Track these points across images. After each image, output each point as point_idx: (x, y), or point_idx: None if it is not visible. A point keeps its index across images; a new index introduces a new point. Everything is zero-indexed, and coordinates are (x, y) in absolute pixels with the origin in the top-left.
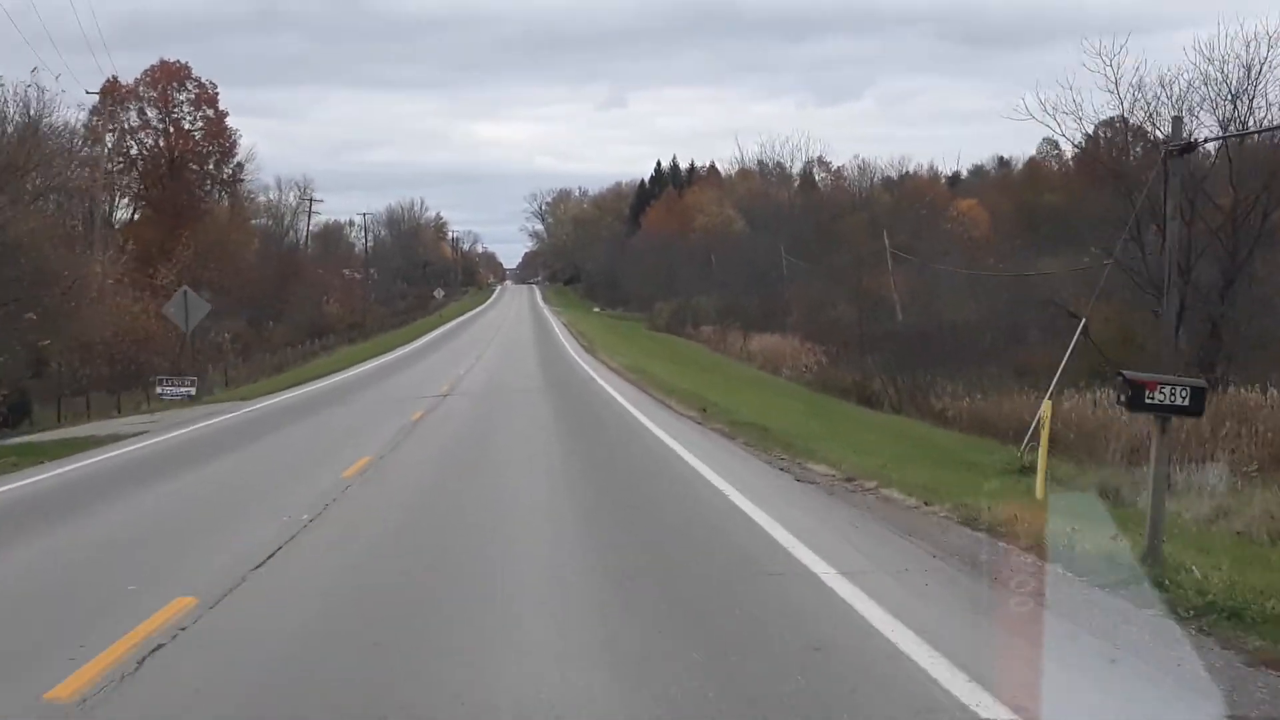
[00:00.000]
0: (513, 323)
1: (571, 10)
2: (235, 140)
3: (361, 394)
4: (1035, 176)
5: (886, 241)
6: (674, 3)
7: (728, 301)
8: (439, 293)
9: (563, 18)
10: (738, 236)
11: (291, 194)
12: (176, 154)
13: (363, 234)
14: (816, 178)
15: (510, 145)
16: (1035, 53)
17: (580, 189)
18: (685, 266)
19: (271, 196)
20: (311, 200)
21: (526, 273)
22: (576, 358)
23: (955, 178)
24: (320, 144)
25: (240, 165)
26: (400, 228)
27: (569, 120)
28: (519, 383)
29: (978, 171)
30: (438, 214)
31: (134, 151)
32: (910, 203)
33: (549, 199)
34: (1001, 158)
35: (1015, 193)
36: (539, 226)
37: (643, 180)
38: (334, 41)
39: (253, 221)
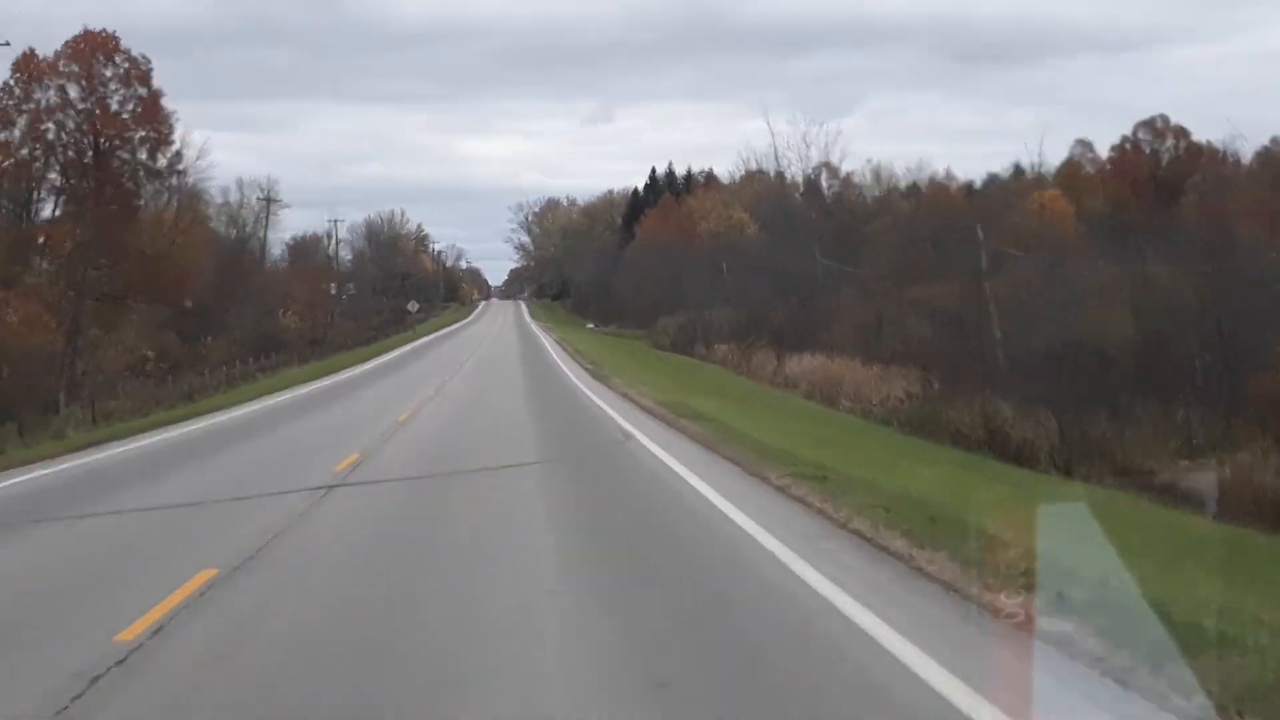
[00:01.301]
0: (495, 339)
1: (560, 25)
2: (172, 125)
3: (222, 455)
4: (1124, 168)
5: (981, 238)
6: (663, 17)
7: (746, 315)
8: (413, 306)
9: (551, 32)
10: (751, 242)
11: (255, 196)
12: (102, 140)
13: (342, 247)
14: (824, 184)
15: (497, 161)
16: (1026, 69)
17: (569, 198)
18: (691, 277)
19: (231, 198)
20: (270, 200)
21: (512, 289)
22: (583, 387)
23: (970, 186)
24: (307, 159)
25: (179, 154)
26: (379, 239)
27: (556, 135)
28: (496, 438)
29: (993, 180)
30: (419, 225)
31: (51, 136)
32: (945, 205)
33: (536, 209)
34: (1018, 165)
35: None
36: (525, 238)
37: (636, 188)
38: (321, 56)
39: (211, 224)
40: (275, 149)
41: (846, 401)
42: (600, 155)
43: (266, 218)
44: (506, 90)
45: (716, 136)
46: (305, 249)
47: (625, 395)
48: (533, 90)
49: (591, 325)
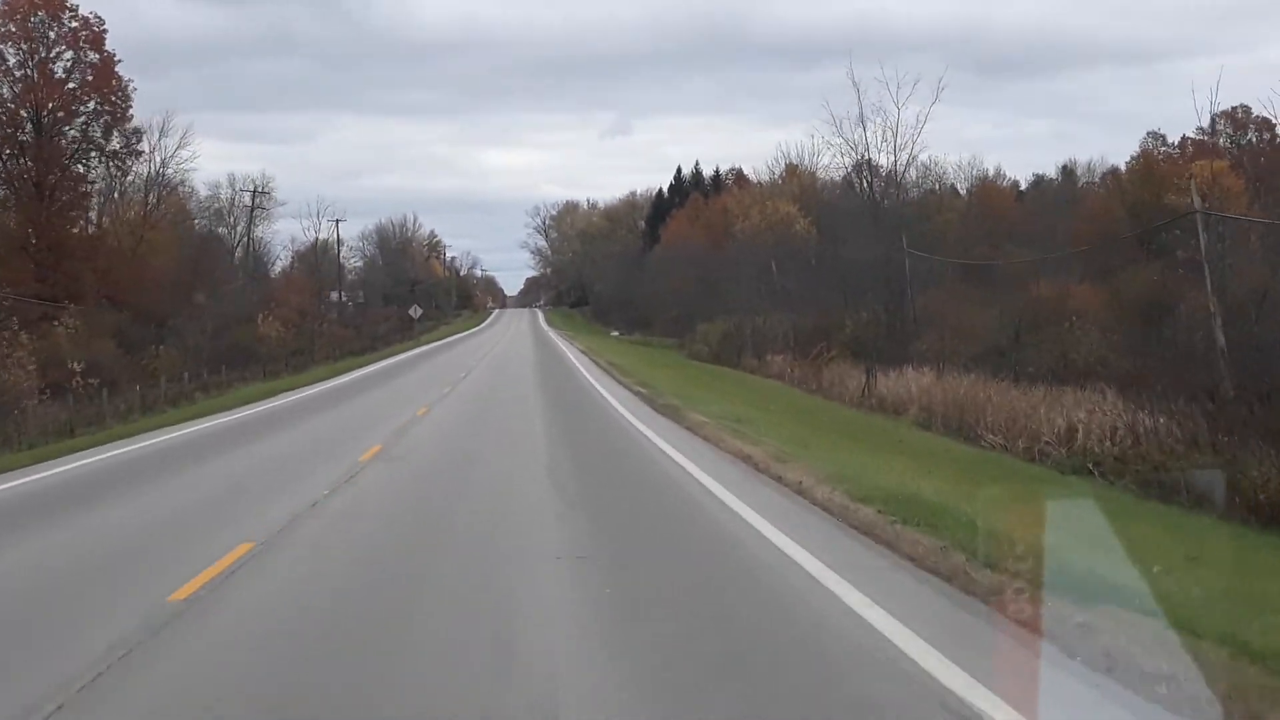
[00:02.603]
0: (506, 348)
1: (580, 37)
2: (129, 96)
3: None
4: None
5: (1200, 227)
6: (682, 30)
7: (809, 320)
8: (416, 311)
9: (571, 44)
10: (802, 239)
11: (248, 194)
12: (44, 112)
13: (354, 255)
14: (862, 182)
15: (516, 172)
16: (1045, 81)
17: (589, 200)
18: (731, 279)
19: (223, 195)
20: (256, 193)
21: (528, 298)
22: (646, 430)
23: (1016, 187)
24: (327, 170)
25: (138, 133)
26: (390, 245)
27: (575, 147)
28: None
29: (1039, 182)
30: (432, 231)
31: None
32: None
33: (554, 212)
34: (1065, 165)
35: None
36: (542, 242)
37: (660, 189)
38: (340, 68)
39: (195, 222)
40: (294, 160)
41: (992, 436)
42: (618, 168)
43: (251, 214)
44: (525, 102)
45: (734, 149)
46: (319, 256)
47: (722, 443)
48: (551, 103)
49: (616, 333)
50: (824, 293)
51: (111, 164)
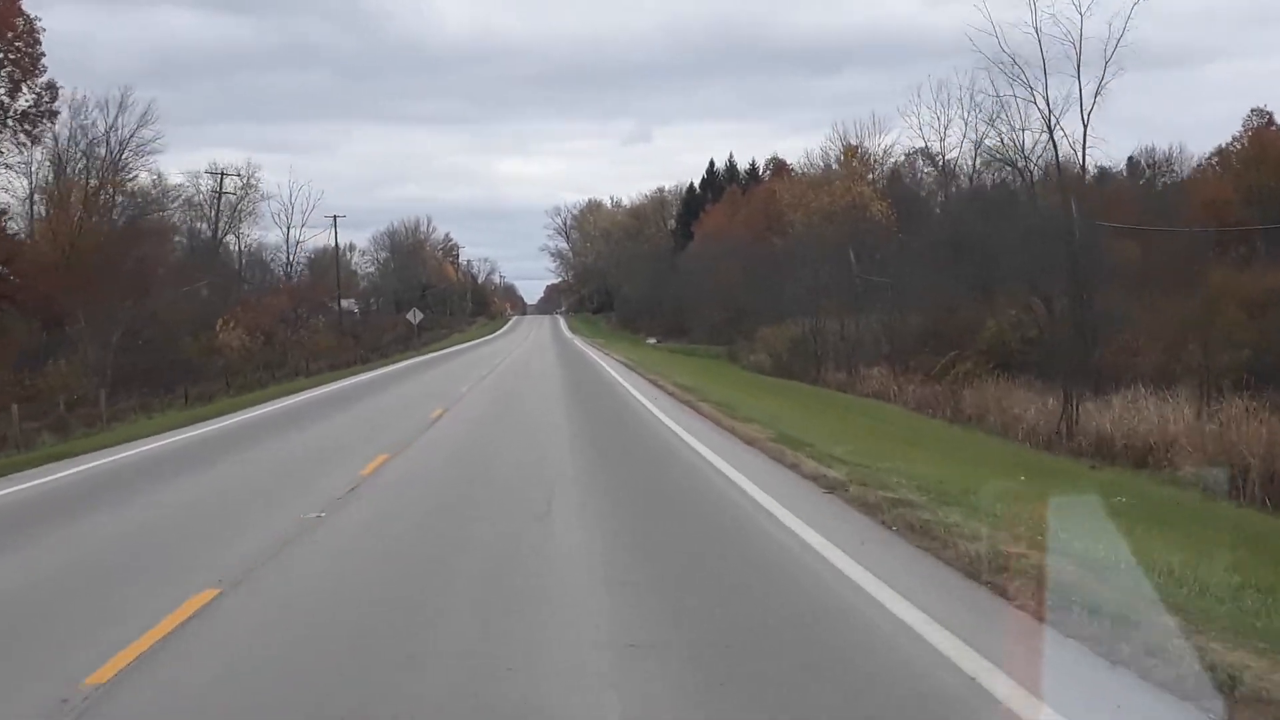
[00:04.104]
0: (525, 358)
1: (599, 46)
2: (38, 39)
3: None
4: None
5: None
6: (701, 37)
7: (921, 323)
8: (415, 316)
9: (590, 53)
10: (878, 226)
11: (231, 182)
12: None
13: (366, 261)
14: (919, 171)
15: (534, 181)
16: (1066, 85)
17: (613, 198)
18: (787, 274)
19: (204, 187)
20: (223, 175)
21: (549, 306)
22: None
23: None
24: (346, 180)
25: (52, 87)
26: (402, 249)
27: (594, 156)
28: None
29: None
30: (447, 234)
31: None
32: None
33: (574, 213)
34: (1131, 157)
35: None
36: (563, 244)
37: (692, 183)
38: (359, 78)
39: (162, 215)
40: (315, 171)
41: None
42: (638, 175)
43: (218, 203)
44: (543, 111)
45: (756, 155)
46: (325, 263)
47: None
48: (570, 111)
49: (653, 340)
50: (933, 284)
51: (20, 129)
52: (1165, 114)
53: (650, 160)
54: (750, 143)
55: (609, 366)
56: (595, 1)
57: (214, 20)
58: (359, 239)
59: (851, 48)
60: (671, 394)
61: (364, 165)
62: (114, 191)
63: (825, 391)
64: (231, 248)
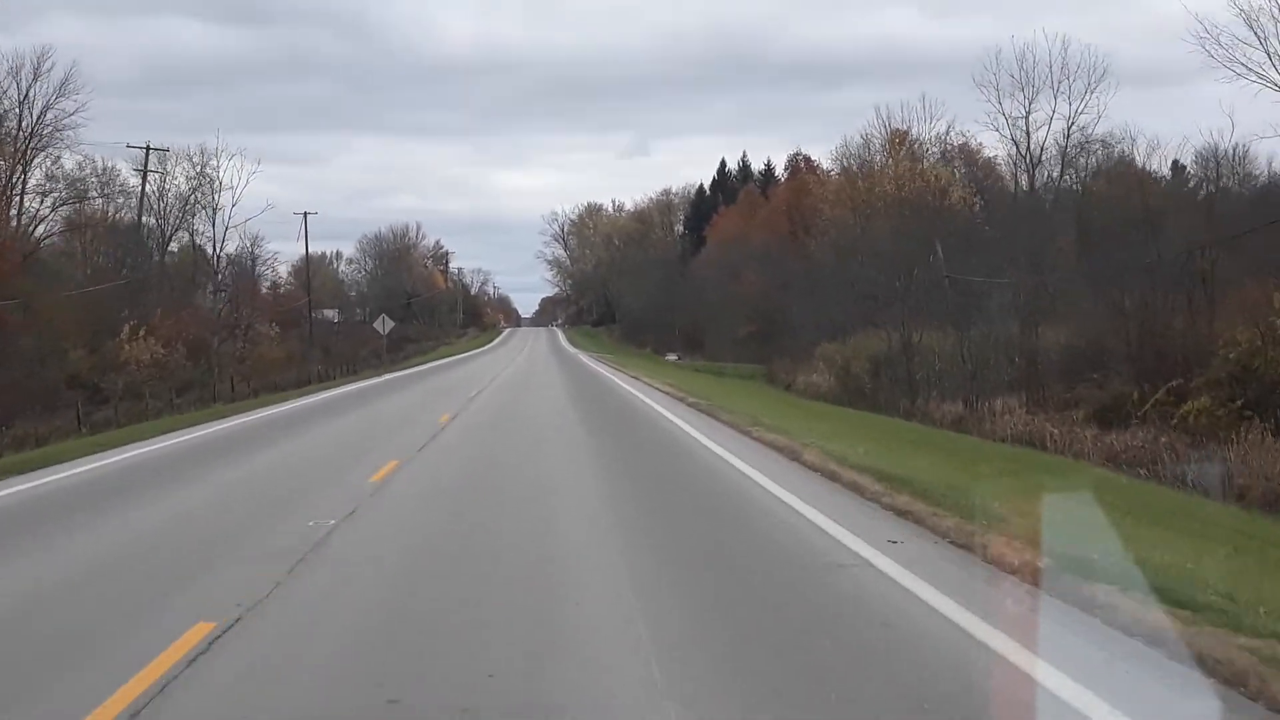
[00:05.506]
0: (518, 381)
1: (598, 59)
2: None
3: None
4: None
5: None
6: (701, 51)
7: (1085, 338)
8: (383, 324)
9: (590, 65)
10: (964, 217)
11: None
12: None
13: (354, 270)
14: (954, 171)
15: (531, 194)
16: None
17: (614, 202)
18: (827, 280)
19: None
20: (149, 149)
21: (544, 318)
22: None
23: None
24: (343, 190)
25: None
26: (387, 255)
27: (591, 169)
28: None
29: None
30: (437, 241)
31: None
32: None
33: (572, 218)
34: (1174, 160)
35: None
36: (560, 252)
37: (701, 184)
38: (357, 89)
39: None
40: (311, 180)
41: None
42: (636, 189)
43: (143, 189)
44: (541, 123)
45: (768, 157)
46: (313, 270)
47: None
48: (569, 123)
49: (674, 356)
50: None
51: None
52: None
53: (648, 174)
54: (752, 156)
55: (652, 400)
56: (595, 14)
57: (217, 30)
58: (351, 251)
59: (853, 62)
60: (804, 460)
61: (358, 176)
62: (23, 173)
63: (952, 436)
64: (188, 247)
